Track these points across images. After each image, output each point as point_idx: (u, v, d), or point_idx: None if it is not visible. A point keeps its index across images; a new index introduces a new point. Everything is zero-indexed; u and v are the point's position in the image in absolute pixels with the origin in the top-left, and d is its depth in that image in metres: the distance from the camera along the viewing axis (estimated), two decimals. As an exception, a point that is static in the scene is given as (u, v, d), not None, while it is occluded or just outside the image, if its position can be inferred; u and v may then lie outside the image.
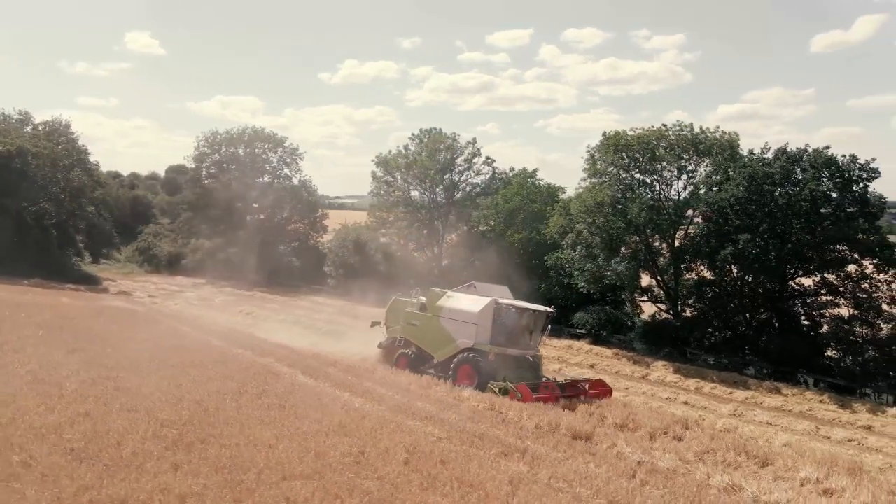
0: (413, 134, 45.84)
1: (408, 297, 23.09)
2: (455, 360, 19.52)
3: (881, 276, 29.43)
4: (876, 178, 29.95)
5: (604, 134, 35.25)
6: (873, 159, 29.82)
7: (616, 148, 33.87)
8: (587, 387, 19.90)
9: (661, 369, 29.04)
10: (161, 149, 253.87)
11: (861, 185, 30.05)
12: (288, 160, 57.89)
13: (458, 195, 43.98)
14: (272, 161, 57.68)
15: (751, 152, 32.21)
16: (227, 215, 57.91)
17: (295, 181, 57.54)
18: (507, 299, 20.89)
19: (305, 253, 55.52)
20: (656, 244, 34.85)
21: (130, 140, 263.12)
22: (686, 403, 23.42)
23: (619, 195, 33.31)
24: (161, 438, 10.22)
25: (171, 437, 10.33)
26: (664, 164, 34.03)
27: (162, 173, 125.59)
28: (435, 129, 45.50)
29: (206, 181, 58.34)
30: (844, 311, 30.56)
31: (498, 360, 19.35)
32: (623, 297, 36.91)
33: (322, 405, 14.06)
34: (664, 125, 34.59)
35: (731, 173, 31.75)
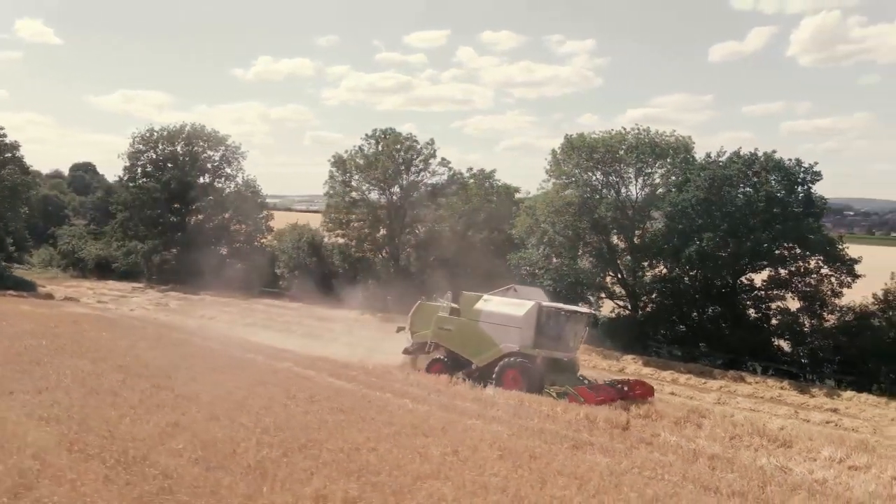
0: (367, 134, 45.61)
1: (433, 301, 22.97)
2: (499, 364, 19.28)
3: (825, 269, 31.93)
4: (818, 180, 32.50)
5: (566, 137, 36.47)
6: (816, 163, 32.40)
7: (581, 150, 35.07)
8: (627, 388, 20.03)
9: (632, 363, 30.39)
10: (60, 146, 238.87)
11: (805, 186, 32.55)
12: (230, 159, 56.15)
13: (416, 195, 44.11)
14: (214, 160, 55.78)
15: (707, 155, 34.21)
16: (165, 216, 55.64)
17: (238, 180, 55.88)
18: (548, 302, 20.84)
19: (250, 255, 54.04)
20: (617, 243, 36.34)
21: (25, 136, 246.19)
22: (672, 394, 24.71)
23: (587, 196, 34.55)
24: (267, 445, 10.09)
25: (274, 444, 10.21)
26: (624, 165, 35.54)
27: (65, 171, 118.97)
28: (390, 129, 45.59)
29: (142, 180, 55.70)
30: (792, 305, 32.96)
31: (542, 363, 19.39)
32: (587, 294, 38.19)
33: (377, 407, 14.11)
34: (623, 128, 36.17)
35: (689, 175, 33.57)
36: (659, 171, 36.22)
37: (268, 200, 62.75)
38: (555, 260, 36.87)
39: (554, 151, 36.82)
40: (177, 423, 10.71)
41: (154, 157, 56.26)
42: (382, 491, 8.59)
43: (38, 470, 7.94)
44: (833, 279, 32.01)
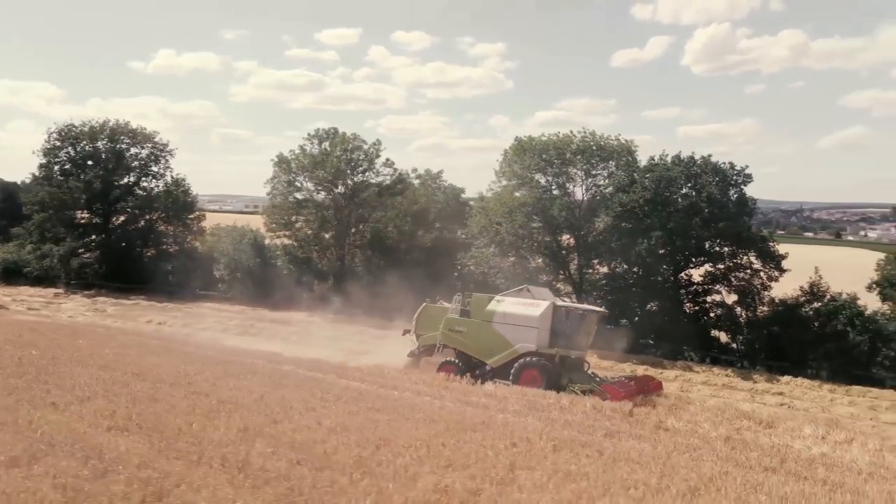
0: (309, 134, 44.99)
1: (436, 303, 23.08)
2: (516, 364, 19.55)
3: (756, 264, 34.63)
4: (749, 182, 35.23)
5: (517, 139, 37.61)
6: (747, 166, 35.08)
7: (532, 152, 36.25)
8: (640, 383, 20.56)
9: (591, 356, 31.75)
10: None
11: (738, 188, 35.15)
12: (158, 157, 53.69)
13: (363, 196, 43.93)
14: (141, 157, 53.17)
15: (651, 158, 36.25)
16: (87, 217, 52.52)
17: (168, 179, 53.49)
18: (561, 302, 21.27)
19: (181, 257, 51.96)
20: (568, 242, 37.80)
21: None
22: (638, 384, 26.09)
23: (540, 196, 35.77)
24: (346, 445, 10.22)
25: (352, 443, 10.35)
26: (572, 167, 37.02)
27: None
28: (333, 129, 45.21)
29: (59, 179, 52.28)
30: (727, 298, 35.50)
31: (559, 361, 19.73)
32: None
33: (408, 405, 14.38)
34: (571, 131, 37.66)
35: (635, 177, 35.45)
36: (602, 172, 38.01)
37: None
38: (507, 259, 37.99)
39: (505, 152, 37.87)
40: (245, 427, 10.63)
41: (73, 154, 52.96)
42: (490, 481, 8.99)
43: (160, 478, 7.81)
44: (763, 274, 34.80)
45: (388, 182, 44.31)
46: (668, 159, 35.69)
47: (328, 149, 43.84)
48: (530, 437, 12.23)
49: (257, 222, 53.00)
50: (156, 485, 7.63)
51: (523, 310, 20.36)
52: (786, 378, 29.13)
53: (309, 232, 44.05)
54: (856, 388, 28.04)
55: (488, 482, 9.00)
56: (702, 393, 25.24)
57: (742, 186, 35.10)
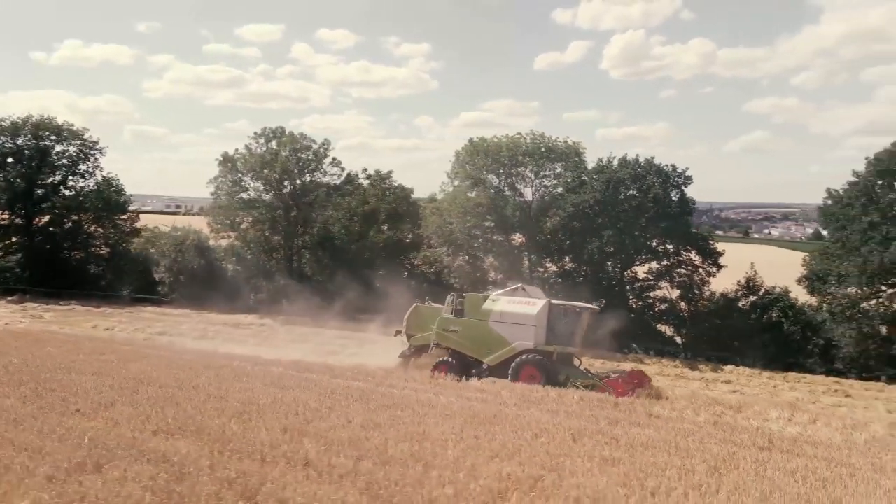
0: (255, 133, 44.14)
1: (427, 304, 23.13)
2: (515, 362, 19.76)
3: (696, 261, 36.70)
4: (690, 183, 37.27)
5: (470, 140, 38.33)
6: (687, 168, 37.09)
7: (486, 153, 37.02)
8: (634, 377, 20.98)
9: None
10: None
11: (679, 189, 37.12)
12: (87, 155, 51.21)
13: (312, 196, 43.48)
14: (69, 155, 50.57)
15: (599, 160, 37.73)
16: (7, 218, 49.49)
17: (98, 178, 51.13)
18: (556, 300, 21.50)
19: (113, 259, 49.82)
20: (520, 242, 38.81)
21: None
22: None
23: (493, 196, 36.58)
24: (397, 440, 10.47)
25: (399, 437, 10.61)
26: (523, 168, 38.06)
27: None
28: (280, 128, 44.52)
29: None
30: (670, 293, 37.44)
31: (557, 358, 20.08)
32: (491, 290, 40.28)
33: (417, 401, 14.64)
34: (519, 133, 38.69)
35: (584, 178, 36.84)
36: (549, 174, 39.24)
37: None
38: (461, 258, 38.66)
39: (458, 153, 38.49)
40: (284, 427, 10.68)
41: (-8, 151, 49.75)
42: (540, 468, 9.48)
43: (240, 478, 7.87)
44: (702, 270, 36.92)
45: (337, 182, 44.11)
46: (615, 162, 37.27)
47: (276, 148, 43.21)
48: (547, 427, 12.78)
49: (181, 222, 51.50)
50: (241, 484, 7.70)
51: (520, 308, 20.64)
52: (729, 367, 31.11)
53: (257, 233, 43.19)
54: (791, 375, 30.29)
55: (539, 468, 9.49)
56: (660, 384, 26.57)
57: (683, 187, 37.10)
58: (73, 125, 51.02)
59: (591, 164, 38.25)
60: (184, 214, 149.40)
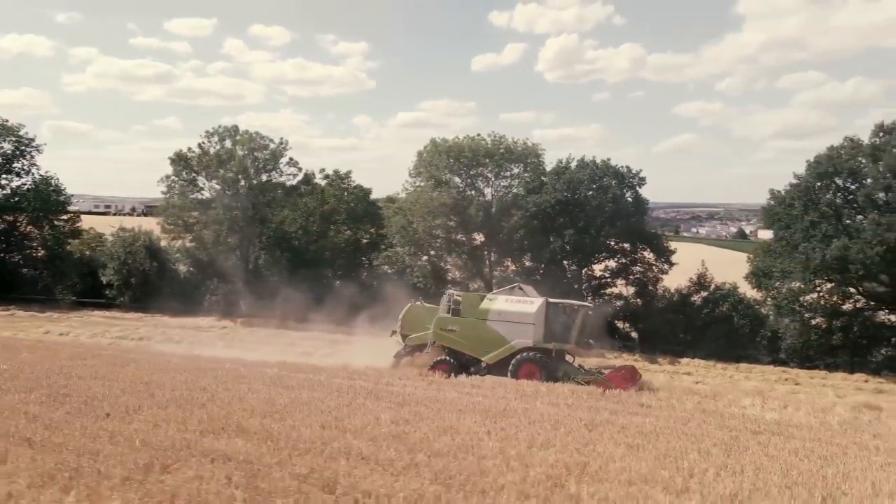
0: (207, 131, 43.13)
1: (422, 304, 23.16)
2: (515, 359, 20.12)
3: (650, 258, 38.25)
4: (644, 184, 38.79)
5: (432, 140, 38.71)
6: (641, 170, 38.58)
7: (449, 153, 37.46)
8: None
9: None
10: None
11: (633, 189, 38.59)
12: (23, 152, 48.79)
13: (270, 196, 42.81)
14: (3, 152, 48.02)
15: (560, 162, 38.78)
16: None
17: (35, 176, 48.76)
18: (553, 298, 21.85)
19: (53, 261, 47.67)
20: (479, 240, 39.43)
21: None
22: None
23: (457, 196, 37.07)
24: (433, 434, 10.78)
25: (433, 431, 10.93)
26: (484, 169, 38.69)
27: None
28: (234, 126, 43.62)
29: None
30: (626, 290, 38.86)
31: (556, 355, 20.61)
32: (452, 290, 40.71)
33: (425, 398, 14.96)
34: (479, 134, 39.29)
35: (544, 179, 37.80)
36: (507, 174, 39.99)
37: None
38: (424, 258, 39.00)
39: (420, 153, 38.80)
40: (322, 425, 10.82)
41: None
42: (580, 454, 10.01)
43: (311, 473, 8.04)
44: (655, 268, 38.51)
45: (294, 182, 43.63)
46: (573, 164, 38.41)
47: (231, 147, 42.38)
48: (560, 419, 13.35)
49: (112, 223, 49.71)
50: (316, 478, 7.88)
51: (518, 307, 21.05)
52: (684, 360, 32.66)
53: (213, 233, 42.23)
54: (743, 365, 32.07)
55: (579, 455, 10.02)
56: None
57: (637, 188, 38.58)
58: (7, 121, 48.59)
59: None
60: (114, 215, 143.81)
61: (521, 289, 22.56)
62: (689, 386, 23.59)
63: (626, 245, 37.98)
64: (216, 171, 41.44)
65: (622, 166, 38.13)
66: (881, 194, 32.30)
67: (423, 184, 38.72)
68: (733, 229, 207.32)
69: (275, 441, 9.51)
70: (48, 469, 7.47)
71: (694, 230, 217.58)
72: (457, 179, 38.27)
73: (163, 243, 43.38)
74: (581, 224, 35.87)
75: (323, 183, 44.16)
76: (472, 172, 38.27)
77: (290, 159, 43.97)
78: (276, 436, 9.81)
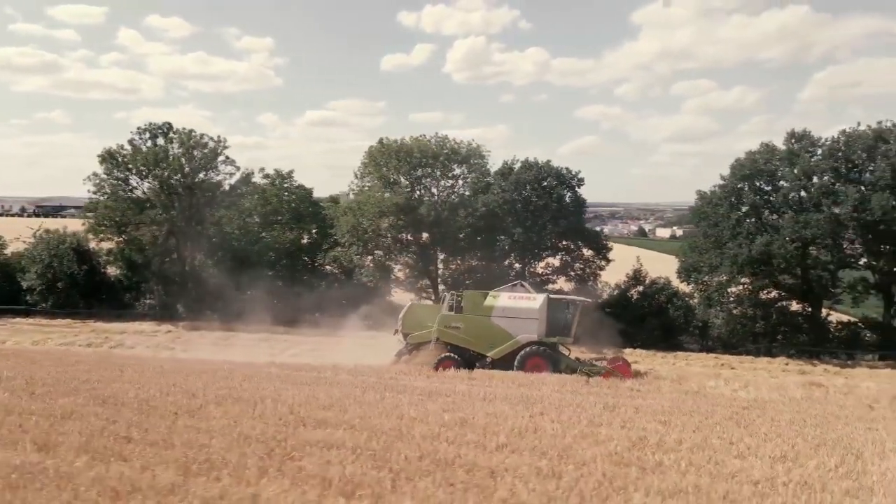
0: (139, 128, 41.37)
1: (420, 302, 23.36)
2: (521, 353, 20.86)
3: (589, 254, 40.31)
4: (583, 185, 40.78)
5: (380, 140, 39.05)
6: (579, 171, 40.55)
7: (398, 154, 37.93)
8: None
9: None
10: None
11: (573, 190, 40.52)
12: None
13: (207, 196, 41.57)
14: None
15: (505, 163, 40.09)
16: None
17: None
18: (553, 294, 22.60)
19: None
20: (426, 240, 40.12)
21: None
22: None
23: (407, 197, 37.61)
24: (476, 428, 11.45)
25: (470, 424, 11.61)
26: (432, 169, 39.43)
27: None
28: (166, 123, 42.11)
29: None
30: (566, 286, 40.72)
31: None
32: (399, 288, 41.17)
33: (448, 391, 15.54)
34: (423, 135, 39.97)
35: (490, 180, 39.02)
36: (453, 175, 40.95)
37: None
38: (371, 257, 39.28)
39: (369, 153, 39.04)
40: (382, 413, 11.25)
41: None
42: (636, 430, 11.00)
43: (423, 457, 8.56)
44: (593, 264, 40.64)
45: (232, 181, 42.64)
46: (517, 165, 39.86)
47: (165, 145, 40.91)
48: (582, 404, 14.29)
49: (31, 224, 46.92)
50: (431, 458, 8.37)
51: (522, 303, 21.87)
52: (627, 350, 34.71)
53: (147, 235, 40.59)
54: (680, 353, 34.54)
55: (629, 431, 11.00)
56: (587, 366, 29.26)
57: (577, 188, 40.54)
58: None
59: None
60: (1, 215, 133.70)
61: (522, 286, 23.46)
62: (648, 373, 25.31)
63: (570, 243, 39.78)
64: (152, 169, 39.87)
65: (563, 168, 39.97)
66: (796, 194, 35.78)
67: (370, 184, 39.01)
68: (634, 228, 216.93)
69: (361, 430, 9.88)
70: (183, 461, 7.58)
71: (598, 228, 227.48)
72: (403, 179, 38.78)
73: (92, 246, 41.26)
74: (528, 223, 37.32)
75: (263, 182, 43.41)
76: (419, 173, 38.91)
77: (227, 157, 42.91)
78: (358, 426, 10.17)
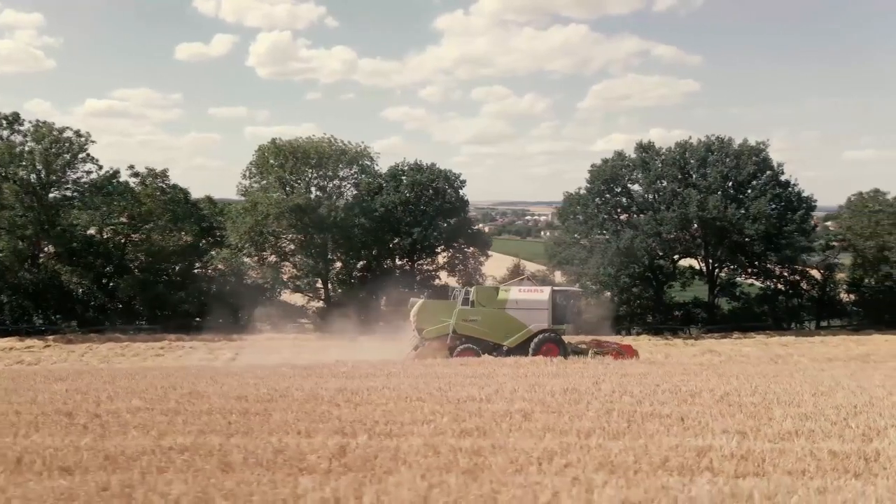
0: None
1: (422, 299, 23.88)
2: (535, 340, 22.59)
3: (474, 252, 43.25)
4: (464, 185, 43.52)
5: (272, 140, 38.43)
6: (461, 173, 43.27)
7: (294, 154, 37.65)
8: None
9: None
10: None
11: (455, 189, 43.12)
12: None
13: (69, 196, 37.52)
14: None
15: (396, 165, 41.50)
16: None
17: None
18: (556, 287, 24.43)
19: None
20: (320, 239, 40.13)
21: None
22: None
23: (306, 197, 37.51)
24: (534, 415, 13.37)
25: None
26: (322, 170, 39.61)
27: None
28: (14, 113, 37.19)
29: None
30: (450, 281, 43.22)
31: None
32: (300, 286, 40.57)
33: (484, 379, 16.95)
34: (312, 136, 39.99)
35: (382, 182, 40.26)
36: (338, 175, 41.40)
37: None
38: (264, 257, 38.60)
39: (262, 153, 38.26)
40: (438, 401, 12.67)
41: None
42: (683, 384, 13.61)
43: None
44: (472, 260, 43.71)
45: (98, 180, 38.90)
46: (405, 167, 41.54)
47: (16, 139, 36.44)
48: (598, 376, 16.61)
49: None
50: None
51: (532, 295, 23.80)
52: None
53: (8, 240, 35.89)
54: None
55: (671, 391, 13.58)
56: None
57: (460, 189, 43.21)
58: None
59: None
60: None
61: (529, 279, 25.37)
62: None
63: (460, 241, 42.25)
64: (7, 167, 35.28)
65: (449, 170, 42.39)
66: (650, 196, 41.81)
67: (262, 183, 38.30)
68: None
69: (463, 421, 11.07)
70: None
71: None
72: (298, 180, 38.58)
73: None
74: (425, 222, 39.19)
75: (133, 182, 40.16)
76: (311, 174, 38.94)
77: (88, 155, 39.09)
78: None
